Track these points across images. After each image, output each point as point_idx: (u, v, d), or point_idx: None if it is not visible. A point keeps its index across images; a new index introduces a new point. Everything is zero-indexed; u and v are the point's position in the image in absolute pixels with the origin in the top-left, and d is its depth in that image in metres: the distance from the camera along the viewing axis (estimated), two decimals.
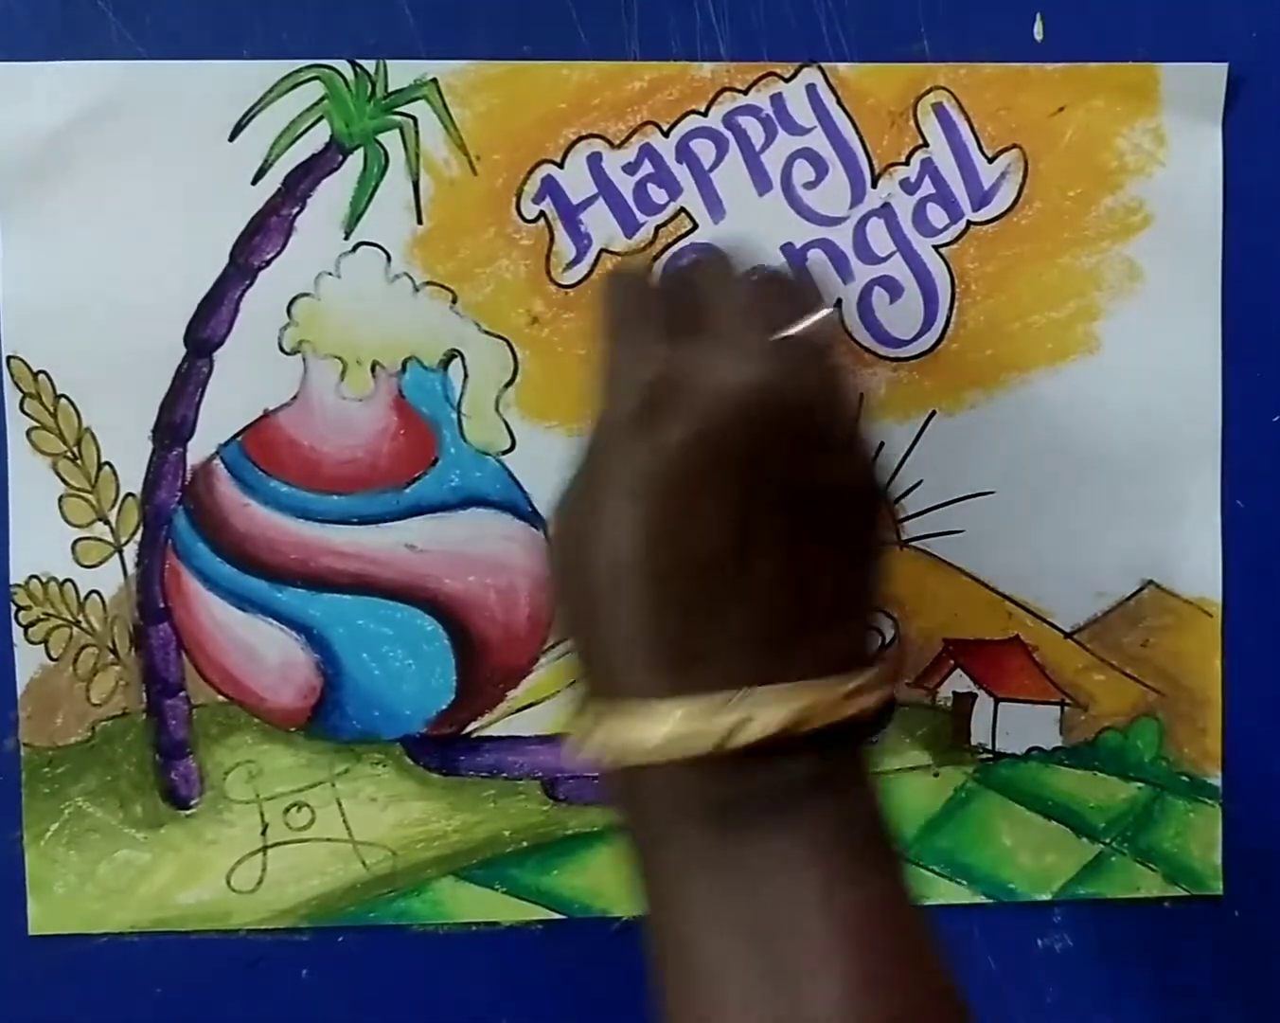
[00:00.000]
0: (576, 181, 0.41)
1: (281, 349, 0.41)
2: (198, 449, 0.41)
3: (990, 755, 0.43)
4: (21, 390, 0.40)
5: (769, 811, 0.29)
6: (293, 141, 0.40)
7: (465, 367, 0.41)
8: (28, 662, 0.41)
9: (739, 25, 0.41)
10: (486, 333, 0.41)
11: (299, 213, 0.40)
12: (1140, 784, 0.43)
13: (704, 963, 0.28)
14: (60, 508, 0.41)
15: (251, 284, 0.40)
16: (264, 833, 0.42)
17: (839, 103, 0.41)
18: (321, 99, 0.40)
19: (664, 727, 0.28)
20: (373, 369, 0.41)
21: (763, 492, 0.29)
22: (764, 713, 0.28)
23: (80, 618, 0.41)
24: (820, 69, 0.41)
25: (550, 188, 0.41)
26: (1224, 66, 0.41)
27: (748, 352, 0.30)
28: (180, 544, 0.41)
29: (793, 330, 0.31)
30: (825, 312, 0.32)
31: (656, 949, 0.30)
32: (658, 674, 0.29)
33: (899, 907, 0.30)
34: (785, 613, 0.29)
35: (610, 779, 0.30)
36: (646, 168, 0.41)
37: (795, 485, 0.29)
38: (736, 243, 0.34)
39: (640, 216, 0.41)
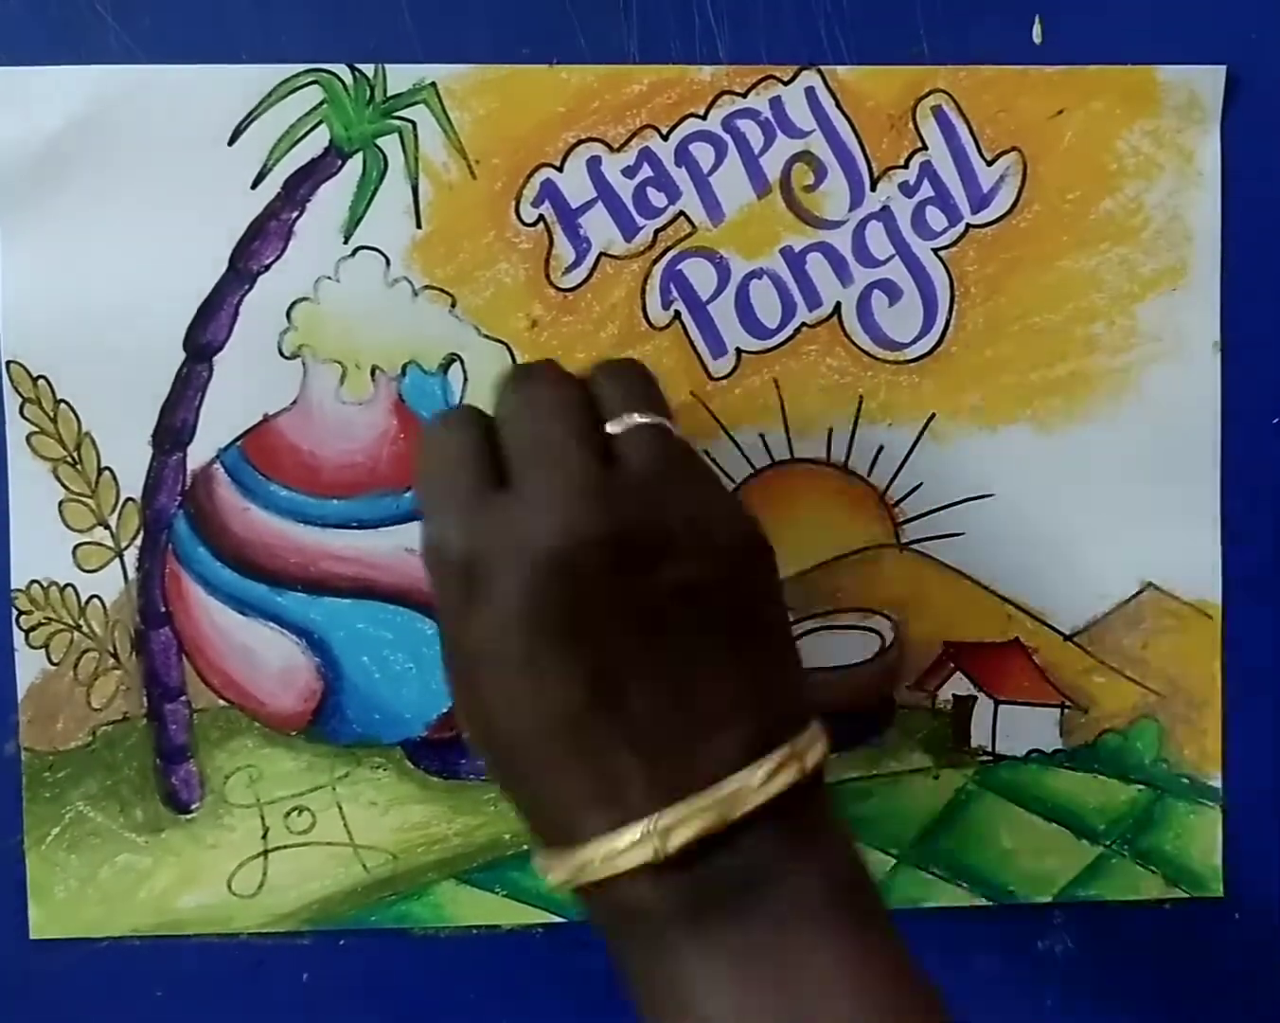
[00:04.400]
0: (576, 185, 0.41)
1: (281, 353, 0.41)
2: (198, 454, 0.41)
3: (990, 758, 0.43)
4: (21, 395, 0.40)
5: (735, 897, 0.29)
6: (292, 146, 0.40)
7: (465, 370, 0.41)
8: (29, 666, 0.41)
9: (738, 28, 0.41)
10: (486, 336, 0.41)
11: (298, 217, 0.40)
12: (1140, 786, 0.43)
13: None
14: (60, 513, 0.41)
15: (251, 288, 0.40)
16: (265, 837, 0.42)
17: (838, 106, 0.41)
18: (320, 103, 0.40)
19: (597, 855, 0.28)
20: (372, 373, 0.41)
21: (609, 629, 0.29)
22: (680, 830, 0.28)
23: (81, 622, 0.41)
24: (819, 72, 0.41)
25: (549, 191, 0.41)
26: (1222, 69, 0.41)
27: (558, 491, 0.29)
28: (180, 549, 0.41)
29: (622, 425, 0.31)
30: (655, 416, 0.31)
31: None
32: (570, 826, 0.29)
33: (893, 948, 0.30)
34: (673, 729, 0.29)
35: (583, 900, 0.30)
36: (645, 171, 0.41)
37: (643, 607, 0.29)
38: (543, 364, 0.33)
39: (639, 220, 0.41)
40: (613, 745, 0.29)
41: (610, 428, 0.31)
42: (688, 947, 0.29)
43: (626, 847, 0.28)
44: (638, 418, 0.31)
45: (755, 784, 0.28)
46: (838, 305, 0.41)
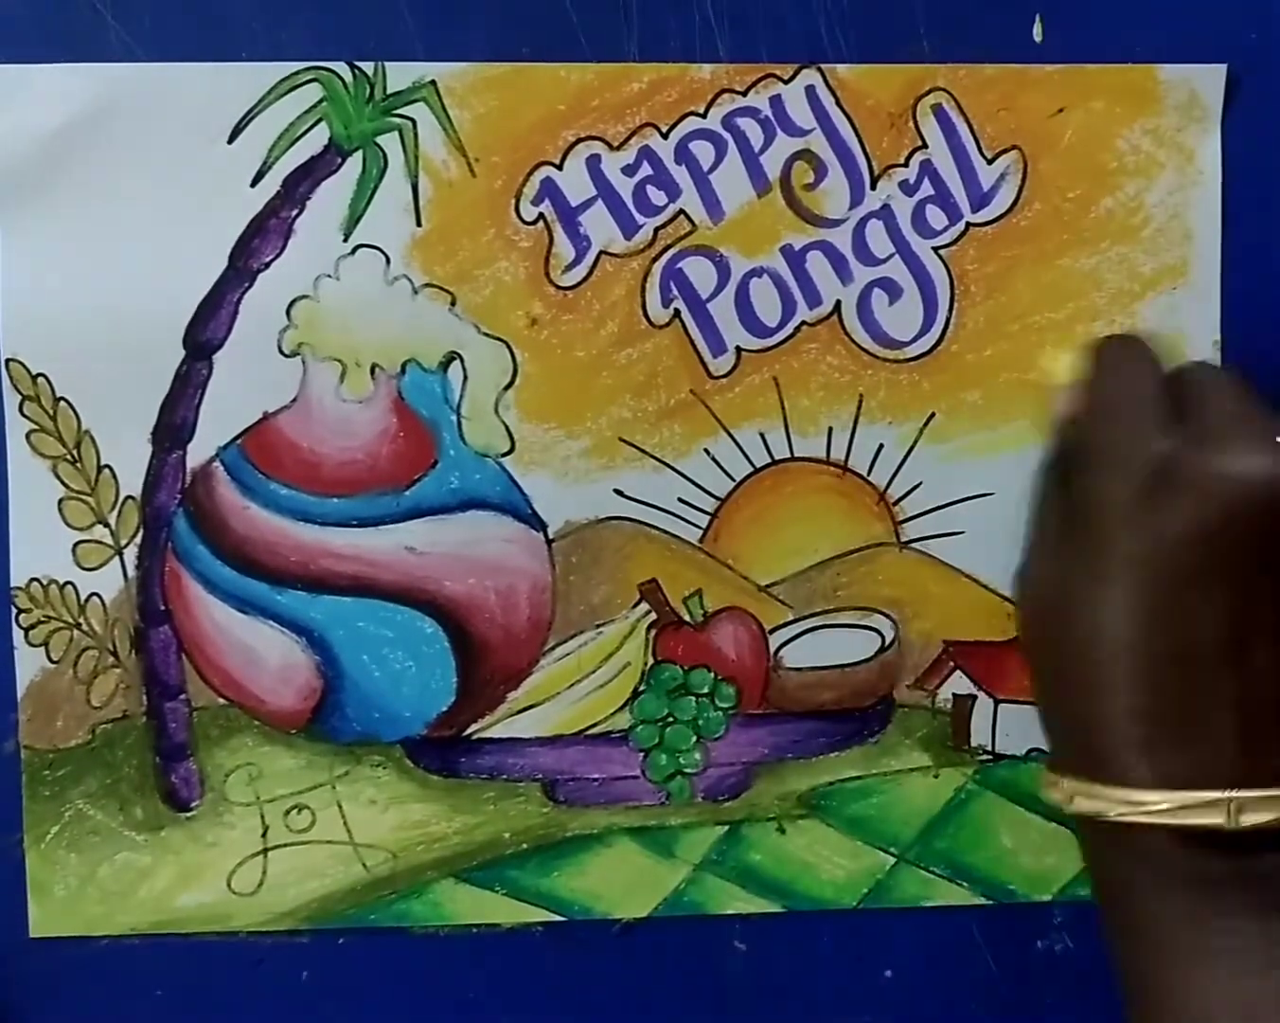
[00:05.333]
0: (575, 183, 0.41)
1: (281, 351, 0.41)
2: (197, 452, 0.41)
3: (990, 757, 0.43)
4: (21, 393, 0.40)
5: (1260, 891, 0.29)
6: (291, 144, 0.40)
7: (465, 368, 0.41)
8: (28, 664, 0.41)
9: (738, 26, 0.41)
10: (486, 335, 0.41)
11: (298, 215, 0.40)
12: None
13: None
14: (60, 511, 0.41)
15: (250, 286, 0.40)
16: (264, 835, 0.42)
17: (838, 104, 0.41)
18: (320, 101, 0.40)
19: (1162, 801, 0.29)
20: (372, 371, 0.41)
21: (1260, 586, 0.29)
22: (1258, 811, 0.28)
23: (81, 621, 0.41)
24: (819, 70, 0.41)
25: (549, 190, 0.41)
26: (1223, 67, 0.41)
27: (1251, 444, 0.29)
28: (180, 547, 0.41)
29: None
30: None
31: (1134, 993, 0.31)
32: (1144, 760, 0.29)
33: None
34: (1277, 708, 0.29)
35: (1092, 836, 0.31)
36: (645, 169, 0.41)
37: None
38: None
39: (639, 218, 0.41)
40: (1223, 701, 0.29)
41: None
42: (1216, 922, 0.29)
43: (1199, 805, 0.28)
44: None
45: None
46: (838, 304, 0.41)
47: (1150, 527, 0.29)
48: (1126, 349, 0.34)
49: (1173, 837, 0.29)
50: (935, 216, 0.41)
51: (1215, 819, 0.28)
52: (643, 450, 0.41)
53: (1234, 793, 0.28)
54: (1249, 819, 0.28)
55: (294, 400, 0.41)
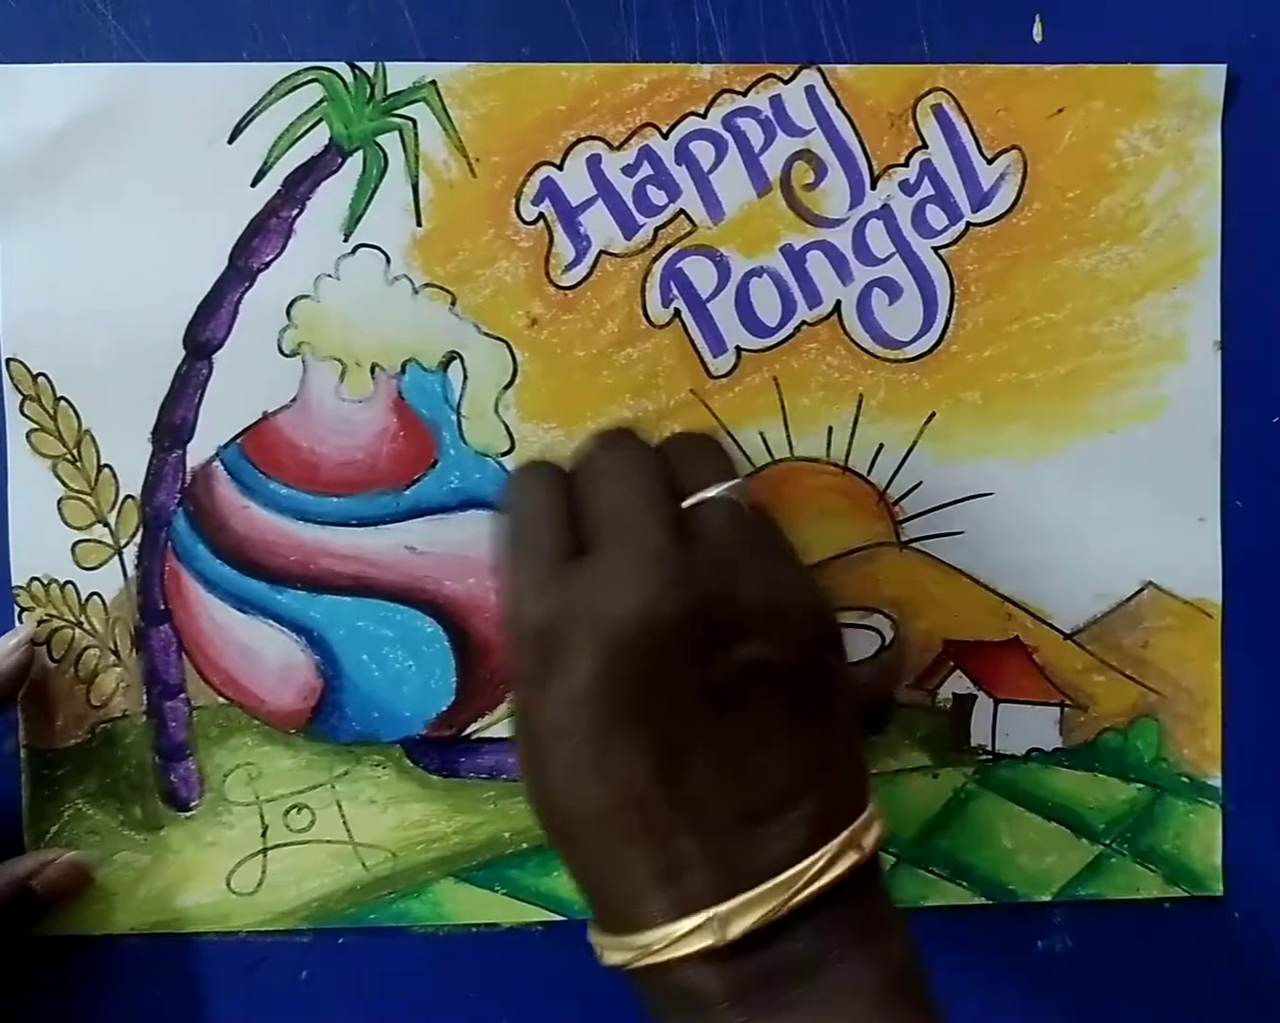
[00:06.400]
0: (576, 183, 0.41)
1: (281, 351, 0.41)
2: (197, 451, 0.41)
3: (990, 757, 0.43)
4: (21, 393, 0.40)
5: (795, 981, 0.28)
6: (292, 144, 0.40)
7: (465, 368, 0.41)
8: None
9: (738, 27, 0.41)
10: (486, 335, 0.41)
11: (298, 215, 0.40)
12: (1140, 785, 0.43)
13: None
14: (60, 510, 0.41)
15: (251, 286, 0.40)
16: (264, 835, 0.42)
17: (838, 104, 0.41)
18: (320, 101, 0.40)
19: (656, 939, 0.28)
20: (372, 371, 0.41)
21: (678, 706, 0.28)
22: (741, 917, 0.28)
23: (81, 620, 0.41)
24: (819, 70, 0.41)
25: (549, 190, 0.41)
26: (1223, 67, 0.41)
27: (634, 567, 0.29)
28: (180, 546, 0.41)
29: (697, 499, 0.31)
30: (733, 482, 0.31)
31: None
32: (634, 906, 0.29)
33: None
34: (736, 812, 0.29)
35: (636, 981, 0.30)
36: (646, 169, 0.41)
37: (713, 685, 0.29)
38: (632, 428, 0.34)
39: (639, 218, 0.41)
40: (675, 828, 0.29)
41: (686, 503, 0.31)
42: None
43: (687, 932, 0.28)
44: (711, 492, 0.31)
45: (816, 870, 0.28)
46: (838, 304, 0.41)
47: (547, 693, 0.29)
48: (524, 478, 0.33)
49: (687, 967, 0.28)
50: (935, 216, 0.41)
51: (706, 941, 0.28)
52: None
53: (711, 911, 0.28)
54: (736, 929, 0.28)
55: (294, 400, 0.41)
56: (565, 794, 0.29)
